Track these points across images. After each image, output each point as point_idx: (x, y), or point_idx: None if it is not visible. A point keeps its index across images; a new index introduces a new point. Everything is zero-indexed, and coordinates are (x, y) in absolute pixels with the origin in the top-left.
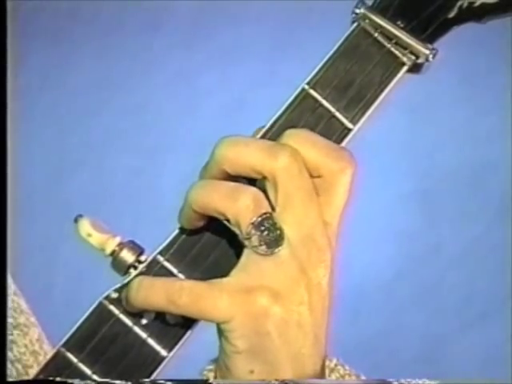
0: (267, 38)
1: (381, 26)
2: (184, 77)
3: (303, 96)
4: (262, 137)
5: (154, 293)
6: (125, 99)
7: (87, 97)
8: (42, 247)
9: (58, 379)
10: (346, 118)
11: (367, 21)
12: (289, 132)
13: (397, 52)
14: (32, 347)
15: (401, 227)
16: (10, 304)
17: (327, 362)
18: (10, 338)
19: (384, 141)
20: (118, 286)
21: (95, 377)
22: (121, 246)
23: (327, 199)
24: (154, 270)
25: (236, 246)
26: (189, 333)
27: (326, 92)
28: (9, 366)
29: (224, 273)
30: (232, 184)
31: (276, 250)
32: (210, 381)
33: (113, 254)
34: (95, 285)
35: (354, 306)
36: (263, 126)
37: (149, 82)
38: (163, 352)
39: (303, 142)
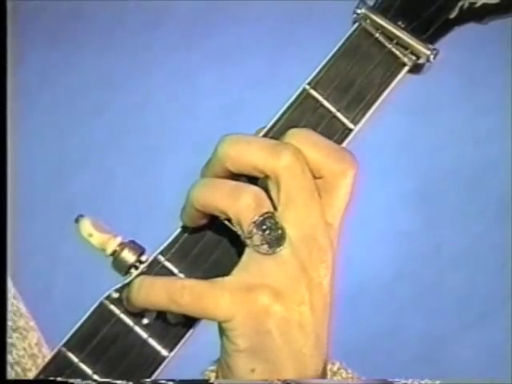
0: (267, 38)
1: (382, 27)
2: (184, 76)
3: (304, 96)
4: (263, 137)
5: (155, 292)
6: (125, 99)
7: (87, 97)
8: (43, 247)
9: (58, 379)
10: (347, 118)
11: (368, 21)
12: (291, 131)
13: (398, 52)
14: (31, 350)
15: (401, 227)
16: (9, 307)
17: (330, 366)
18: (9, 341)
19: (384, 141)
20: (119, 285)
21: (96, 377)
22: (122, 245)
23: (328, 200)
24: (155, 269)
25: (237, 246)
26: (190, 333)
27: (327, 92)
28: (8, 369)
29: (225, 272)
30: (234, 183)
31: (277, 250)
32: (212, 381)
33: (114, 254)
34: (96, 285)
35: (354, 305)
36: (264, 127)
37: (149, 81)
38: (164, 352)
39: (305, 141)
